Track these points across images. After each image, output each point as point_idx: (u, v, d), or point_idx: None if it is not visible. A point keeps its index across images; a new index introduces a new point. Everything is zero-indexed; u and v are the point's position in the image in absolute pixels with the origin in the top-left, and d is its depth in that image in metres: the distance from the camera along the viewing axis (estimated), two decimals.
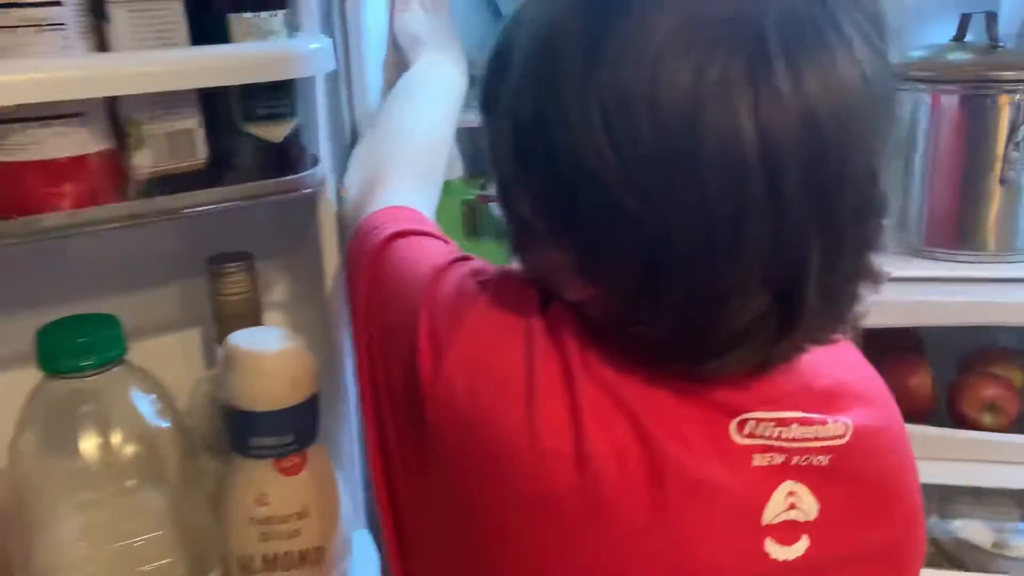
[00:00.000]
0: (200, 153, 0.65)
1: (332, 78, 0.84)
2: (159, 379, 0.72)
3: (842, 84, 0.48)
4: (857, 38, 0.50)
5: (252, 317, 0.80)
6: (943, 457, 1.14)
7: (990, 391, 1.16)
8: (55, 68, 0.58)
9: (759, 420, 0.56)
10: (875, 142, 0.51)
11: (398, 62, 0.97)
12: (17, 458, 0.67)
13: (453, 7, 1.07)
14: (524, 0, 0.57)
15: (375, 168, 0.80)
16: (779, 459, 0.56)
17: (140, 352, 0.75)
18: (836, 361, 0.62)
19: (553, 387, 0.56)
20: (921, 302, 1.10)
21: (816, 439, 0.57)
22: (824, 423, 0.57)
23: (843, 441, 0.58)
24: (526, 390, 0.56)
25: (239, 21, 0.64)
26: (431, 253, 0.67)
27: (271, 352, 0.70)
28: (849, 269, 0.53)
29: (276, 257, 0.86)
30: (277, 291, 0.88)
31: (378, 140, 0.85)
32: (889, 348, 1.24)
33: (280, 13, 0.66)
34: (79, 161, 0.60)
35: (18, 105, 0.56)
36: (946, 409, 1.20)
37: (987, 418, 1.16)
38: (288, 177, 0.68)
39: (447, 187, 0.93)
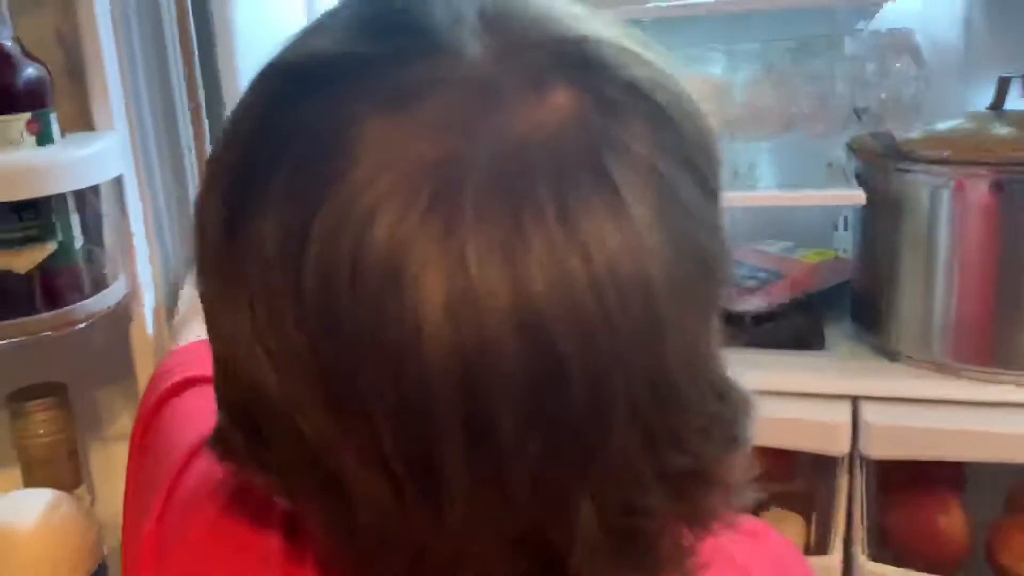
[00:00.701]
0: None
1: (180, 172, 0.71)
2: None
3: (593, 262, 0.31)
4: (638, 185, 0.33)
5: (63, 463, 0.67)
6: None
7: None
8: None
9: None
10: (668, 336, 0.33)
11: None
12: None
13: None
14: None
15: None
16: None
17: None
18: None
19: None
20: (945, 432, 0.89)
21: None
22: None
23: None
24: None
25: None
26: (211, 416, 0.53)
27: (23, 528, 0.56)
28: (657, 512, 0.36)
29: (109, 383, 0.73)
30: (121, 422, 0.75)
31: None
32: (917, 477, 1.03)
33: (22, 117, 0.53)
34: None
35: None
36: (984, 557, 0.98)
37: None
38: (27, 318, 0.54)
39: None
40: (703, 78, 0.89)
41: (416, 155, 0.31)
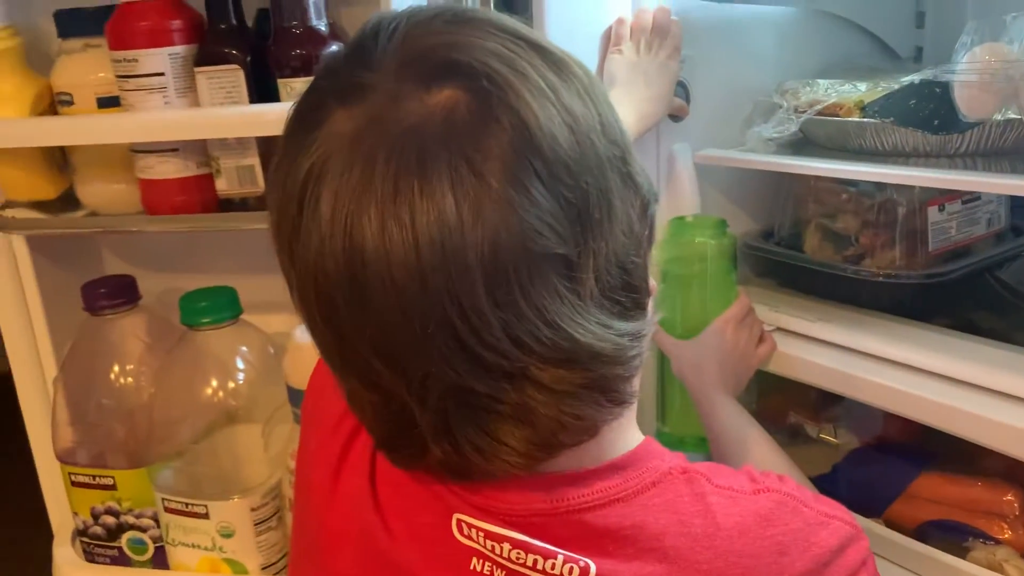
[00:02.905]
0: (260, 183, 0.85)
1: None
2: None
3: (413, 227, 0.45)
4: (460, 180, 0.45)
5: None
6: None
7: None
8: (157, 119, 0.84)
9: (471, 525, 0.55)
10: (477, 281, 0.45)
11: None
12: None
13: (851, 49, 1.11)
14: None
15: None
16: (499, 573, 0.55)
17: None
18: (682, 508, 0.56)
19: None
20: None
21: (534, 569, 0.54)
22: (553, 556, 0.53)
23: None
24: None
25: (284, 85, 0.82)
26: None
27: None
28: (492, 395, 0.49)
29: None
30: None
31: None
32: None
33: None
34: (177, 182, 0.87)
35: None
36: None
37: None
38: None
39: (680, 224, 0.95)
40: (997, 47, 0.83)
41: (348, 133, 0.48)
